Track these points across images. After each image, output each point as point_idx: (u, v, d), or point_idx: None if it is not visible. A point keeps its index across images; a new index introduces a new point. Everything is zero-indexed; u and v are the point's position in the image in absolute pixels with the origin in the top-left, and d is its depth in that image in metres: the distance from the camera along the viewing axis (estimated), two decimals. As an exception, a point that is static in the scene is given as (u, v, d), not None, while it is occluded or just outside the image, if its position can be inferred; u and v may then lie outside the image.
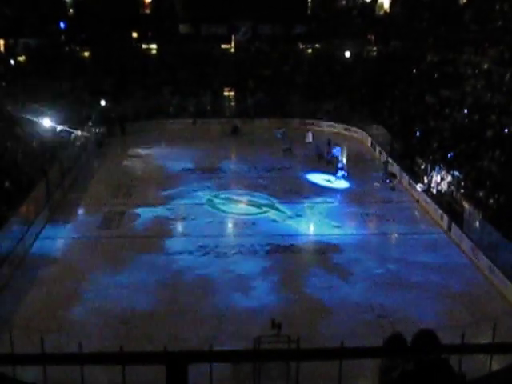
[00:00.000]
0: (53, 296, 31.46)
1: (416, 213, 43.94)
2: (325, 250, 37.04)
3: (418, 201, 45.20)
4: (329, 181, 48.96)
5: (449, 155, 45.34)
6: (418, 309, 30.02)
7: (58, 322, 28.36)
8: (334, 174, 49.31)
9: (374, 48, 77.92)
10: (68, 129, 52.41)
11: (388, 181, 48.85)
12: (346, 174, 49.51)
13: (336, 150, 53.87)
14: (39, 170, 43.14)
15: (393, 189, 47.77)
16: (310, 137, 60.62)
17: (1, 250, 33.05)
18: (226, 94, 72.69)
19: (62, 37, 75.71)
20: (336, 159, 52.36)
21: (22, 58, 70.78)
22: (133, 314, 29.46)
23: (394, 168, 50.46)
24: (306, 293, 31.80)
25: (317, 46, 78.38)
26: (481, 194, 38.75)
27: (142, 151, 58.93)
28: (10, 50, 71.69)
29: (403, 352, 5.02)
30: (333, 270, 34.20)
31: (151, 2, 79.91)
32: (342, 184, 48.79)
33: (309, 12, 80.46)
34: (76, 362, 5.14)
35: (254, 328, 26.85)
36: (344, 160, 53.28)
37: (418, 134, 52.29)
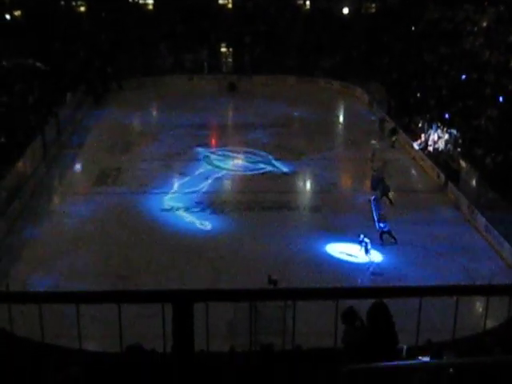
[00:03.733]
0: (50, 250, 31.57)
1: (413, 171, 43.97)
2: (320, 209, 37.10)
3: (414, 158, 45.18)
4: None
5: (446, 114, 45.23)
6: (412, 267, 30.09)
7: (54, 277, 28.45)
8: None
9: (373, 4, 77.28)
10: None
11: (390, 135, 48.08)
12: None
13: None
14: (35, 125, 43.00)
15: (392, 146, 47.44)
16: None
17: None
18: (222, 50, 72.25)
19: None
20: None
21: (17, 13, 70.09)
22: (129, 269, 29.57)
23: (391, 125, 50.28)
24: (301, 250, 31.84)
25: (315, 1, 77.65)
26: (478, 152, 38.76)
27: (138, 107, 58.65)
28: (5, 5, 70.96)
29: (403, 293, 5.09)
30: (327, 228, 34.17)
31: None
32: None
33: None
34: (77, 300, 5.17)
35: (249, 285, 26.96)
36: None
37: (415, 91, 52.10)
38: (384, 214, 32.78)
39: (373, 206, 33.31)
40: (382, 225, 32.25)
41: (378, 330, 7.72)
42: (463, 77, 50.50)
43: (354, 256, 30.88)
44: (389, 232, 32.08)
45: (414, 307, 6.28)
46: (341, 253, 31.43)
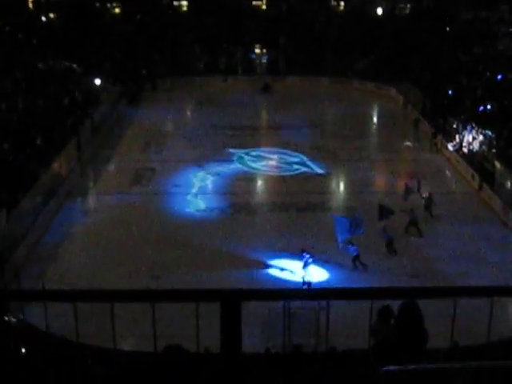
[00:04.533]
0: (84, 250, 31.83)
1: (447, 172, 43.69)
2: (355, 209, 36.89)
3: (448, 160, 44.90)
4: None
5: (481, 114, 44.91)
6: (447, 273, 29.90)
7: (89, 279, 28.64)
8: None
9: (408, 5, 76.98)
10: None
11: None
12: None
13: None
14: (71, 127, 43.35)
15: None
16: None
17: (34, 206, 33.45)
18: (257, 51, 72.30)
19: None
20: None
21: (52, 15, 70.71)
22: (162, 269, 29.68)
23: (425, 126, 50.03)
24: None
25: (349, 2, 77.47)
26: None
27: (172, 108, 58.86)
28: (41, 8, 71.57)
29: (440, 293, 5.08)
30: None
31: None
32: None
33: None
34: (124, 298, 5.22)
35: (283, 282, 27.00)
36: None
37: (450, 92, 51.79)
38: (390, 241, 31.70)
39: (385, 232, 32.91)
40: (352, 249, 30.09)
41: (407, 329, 7.75)
42: (498, 77, 50.14)
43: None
44: (357, 257, 29.98)
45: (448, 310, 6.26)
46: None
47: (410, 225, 33.44)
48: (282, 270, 29.88)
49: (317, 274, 28.81)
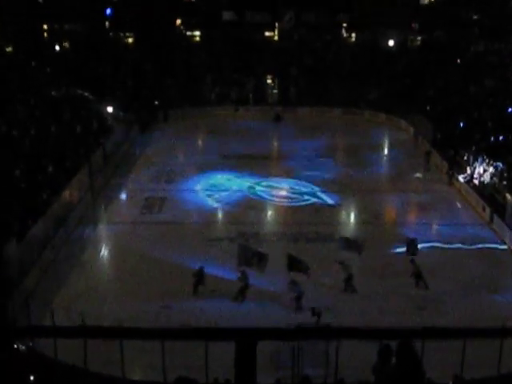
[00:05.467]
0: (94, 278, 31.86)
1: (458, 204, 43.62)
2: (364, 241, 36.79)
3: (459, 191, 44.84)
4: None
5: (492, 146, 44.91)
6: (458, 304, 29.83)
7: (98, 306, 28.64)
8: None
9: (418, 37, 77.32)
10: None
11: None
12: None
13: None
14: (82, 155, 43.55)
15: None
16: None
17: (45, 233, 33.53)
18: (268, 81, 72.57)
19: (107, 23, 76.16)
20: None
21: (66, 44, 71.24)
22: (173, 297, 29.65)
23: (437, 158, 50.07)
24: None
25: (360, 34, 77.83)
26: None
27: (184, 137, 59.11)
28: (55, 36, 72.11)
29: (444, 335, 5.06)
30: (371, 260, 33.94)
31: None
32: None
33: (353, 0, 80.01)
34: (136, 336, 5.17)
35: (294, 317, 26.94)
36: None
37: (461, 124, 51.82)
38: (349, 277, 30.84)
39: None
40: (296, 289, 29.42)
41: (405, 367, 7.80)
42: (509, 109, 50.20)
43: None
44: (299, 297, 29.12)
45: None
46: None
47: (415, 277, 31.40)
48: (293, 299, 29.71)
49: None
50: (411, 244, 32.66)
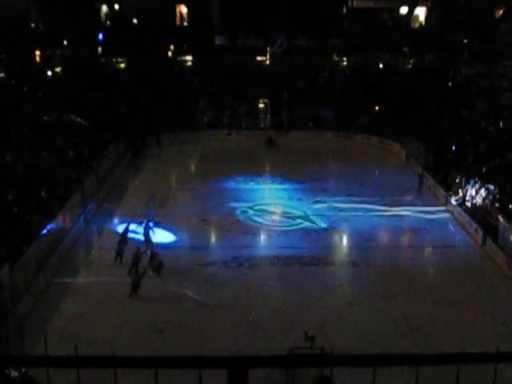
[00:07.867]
0: (87, 303, 31.76)
1: (450, 226, 43.69)
2: (357, 264, 36.93)
3: (452, 214, 44.92)
4: None
5: (484, 169, 45.06)
6: (451, 326, 29.84)
7: (91, 331, 28.55)
8: None
9: (410, 60, 77.73)
10: None
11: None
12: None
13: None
14: (75, 179, 43.56)
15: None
16: None
17: (37, 258, 33.45)
18: (260, 105, 72.78)
19: (99, 48, 76.45)
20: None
21: (58, 69, 71.34)
22: (166, 323, 29.60)
23: (429, 181, 50.20)
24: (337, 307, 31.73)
25: (352, 58, 78.20)
26: (516, 207, 38.51)
27: (176, 162, 59.21)
28: (47, 61, 72.22)
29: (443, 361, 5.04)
30: (365, 284, 34.09)
31: (188, 14, 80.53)
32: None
33: (344, 24, 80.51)
34: (123, 364, 5.16)
35: (287, 341, 26.88)
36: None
37: (453, 147, 51.99)
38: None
39: None
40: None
41: None
42: (501, 131, 50.42)
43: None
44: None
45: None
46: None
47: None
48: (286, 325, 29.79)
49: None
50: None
